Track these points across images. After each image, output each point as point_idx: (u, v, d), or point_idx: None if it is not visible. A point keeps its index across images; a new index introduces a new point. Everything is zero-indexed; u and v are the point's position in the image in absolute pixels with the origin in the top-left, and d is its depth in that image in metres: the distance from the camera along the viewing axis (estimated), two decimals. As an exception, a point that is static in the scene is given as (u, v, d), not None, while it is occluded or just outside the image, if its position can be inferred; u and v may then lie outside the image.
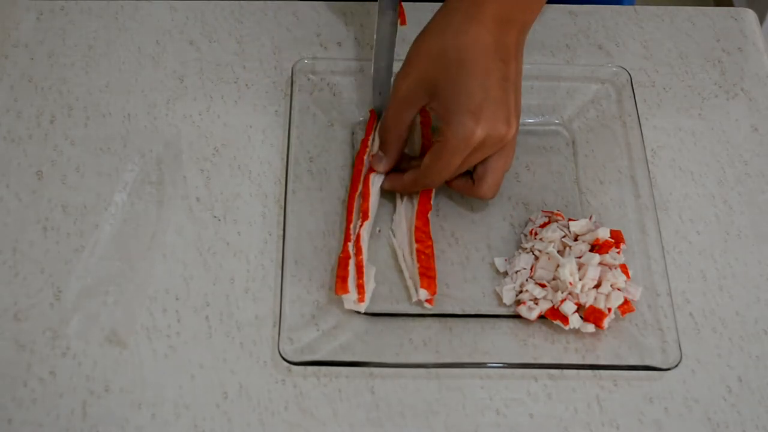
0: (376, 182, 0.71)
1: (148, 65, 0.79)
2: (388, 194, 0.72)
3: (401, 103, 0.67)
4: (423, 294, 0.66)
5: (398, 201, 0.72)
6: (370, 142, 0.73)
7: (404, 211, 0.71)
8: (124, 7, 0.82)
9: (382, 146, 0.70)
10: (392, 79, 0.71)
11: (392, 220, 0.72)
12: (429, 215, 0.70)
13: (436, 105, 0.65)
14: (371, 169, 0.71)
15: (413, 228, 0.69)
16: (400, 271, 0.69)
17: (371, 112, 0.74)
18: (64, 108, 0.76)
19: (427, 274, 0.67)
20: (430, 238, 0.69)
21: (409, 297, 0.68)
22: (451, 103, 0.63)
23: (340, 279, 0.66)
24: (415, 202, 0.71)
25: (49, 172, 0.73)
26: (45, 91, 0.77)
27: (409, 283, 0.68)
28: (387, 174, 0.71)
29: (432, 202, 0.71)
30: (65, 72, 0.78)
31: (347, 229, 0.69)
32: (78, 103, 0.76)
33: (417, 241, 0.68)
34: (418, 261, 0.67)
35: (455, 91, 0.63)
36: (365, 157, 0.72)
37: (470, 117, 0.62)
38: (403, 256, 0.69)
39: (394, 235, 0.70)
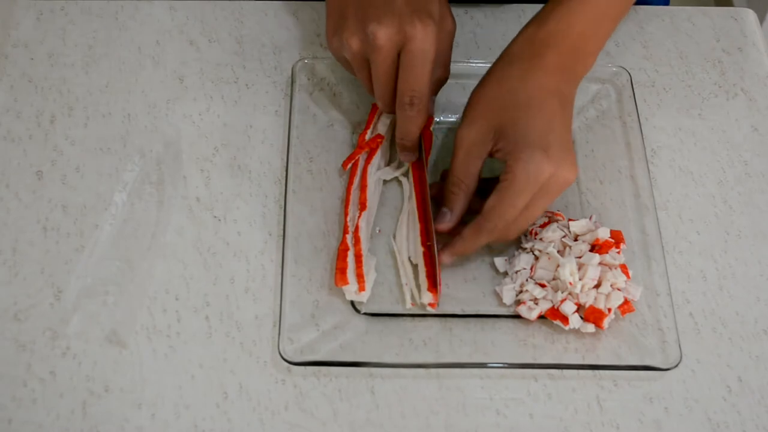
0: (373, 173, 0.71)
1: (148, 65, 0.79)
2: (392, 197, 0.72)
3: (468, 152, 0.66)
4: (427, 297, 0.66)
5: (405, 205, 0.72)
6: (367, 135, 0.73)
7: (406, 217, 0.71)
8: (124, 7, 0.82)
9: (449, 202, 0.67)
10: None
11: (396, 224, 0.71)
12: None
13: (503, 144, 0.64)
14: (368, 161, 0.72)
15: (417, 232, 0.69)
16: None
17: (373, 105, 0.74)
18: (64, 108, 0.76)
19: (434, 278, 0.67)
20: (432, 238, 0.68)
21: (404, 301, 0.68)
22: (520, 139, 0.63)
23: (339, 270, 0.66)
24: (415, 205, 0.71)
25: (49, 172, 0.73)
26: (45, 91, 0.77)
27: (405, 288, 0.68)
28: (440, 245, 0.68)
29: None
30: (65, 72, 0.78)
31: (345, 221, 0.69)
32: (78, 103, 0.76)
33: (423, 244, 0.68)
34: (426, 265, 0.67)
35: (524, 130, 0.63)
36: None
37: (540, 153, 0.62)
38: (402, 261, 0.69)
39: (394, 239, 0.70)
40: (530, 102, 0.64)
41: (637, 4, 0.84)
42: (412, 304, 0.67)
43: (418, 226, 0.69)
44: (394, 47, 0.64)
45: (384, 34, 0.63)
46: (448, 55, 0.69)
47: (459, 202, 0.67)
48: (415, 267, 0.68)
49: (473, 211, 0.67)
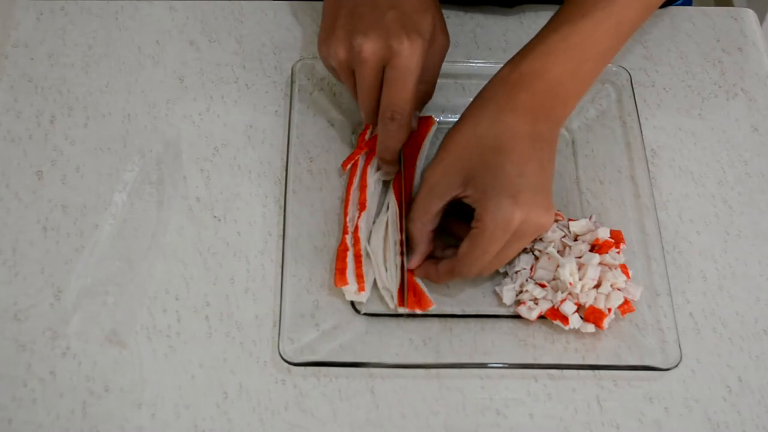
0: (373, 174, 0.71)
1: (148, 65, 0.79)
2: (386, 196, 0.72)
3: (430, 192, 0.64)
4: (402, 310, 0.66)
5: (385, 206, 0.72)
6: (367, 135, 0.73)
7: (385, 219, 0.70)
8: (124, 7, 0.82)
9: (410, 240, 0.67)
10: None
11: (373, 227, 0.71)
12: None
13: (471, 191, 0.63)
14: (368, 162, 0.72)
15: (396, 240, 0.68)
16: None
17: None
18: (64, 108, 0.76)
19: (402, 295, 0.67)
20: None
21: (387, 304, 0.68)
22: (488, 187, 0.62)
23: (339, 271, 0.66)
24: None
25: (49, 172, 0.73)
26: (45, 91, 0.77)
27: (384, 293, 0.67)
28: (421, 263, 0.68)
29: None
30: (65, 72, 0.78)
31: (344, 221, 0.69)
32: (78, 103, 0.76)
33: (400, 254, 0.68)
34: (401, 275, 0.67)
35: (492, 175, 0.62)
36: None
37: (509, 200, 0.61)
38: (377, 263, 0.68)
39: (368, 242, 0.69)
40: (500, 146, 0.62)
41: (663, 6, 0.84)
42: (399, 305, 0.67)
43: (396, 235, 0.69)
44: (379, 61, 0.64)
45: (370, 48, 0.63)
46: (436, 72, 0.68)
47: (417, 239, 0.66)
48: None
49: (448, 233, 0.67)
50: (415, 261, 0.67)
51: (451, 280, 0.67)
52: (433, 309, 0.67)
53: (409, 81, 0.64)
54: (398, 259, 0.67)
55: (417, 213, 0.66)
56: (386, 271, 0.68)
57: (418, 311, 0.66)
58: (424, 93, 0.68)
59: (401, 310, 0.66)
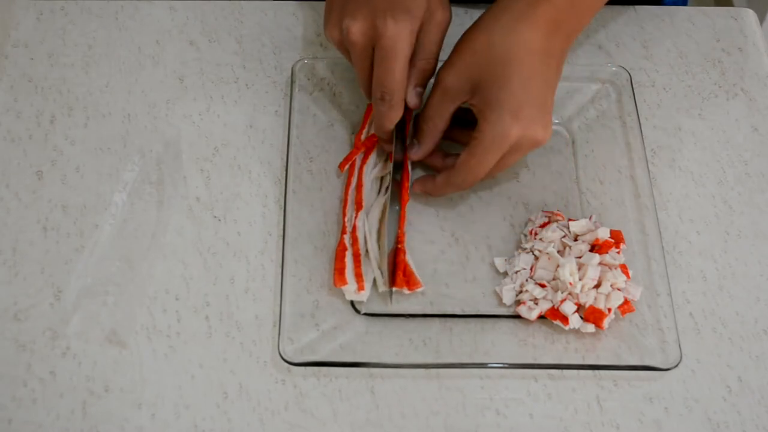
0: (369, 173, 0.71)
1: (148, 65, 0.79)
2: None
3: (443, 94, 0.66)
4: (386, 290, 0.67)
5: (382, 190, 0.72)
6: (363, 135, 0.73)
7: (382, 201, 0.71)
8: (124, 7, 0.82)
9: (419, 135, 0.69)
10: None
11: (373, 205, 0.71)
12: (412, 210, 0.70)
13: (476, 101, 0.64)
14: (364, 161, 0.72)
15: (396, 225, 0.69)
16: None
17: (368, 106, 0.74)
18: (64, 108, 0.76)
19: (398, 269, 0.67)
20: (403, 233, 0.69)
21: (378, 286, 0.68)
22: (492, 99, 0.63)
23: (338, 271, 0.66)
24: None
25: (49, 172, 0.73)
26: (45, 91, 0.77)
27: (377, 272, 0.67)
28: (418, 179, 0.71)
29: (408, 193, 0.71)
30: (65, 72, 0.78)
31: (343, 221, 0.69)
32: (78, 103, 0.76)
33: (400, 242, 0.68)
34: (389, 263, 0.67)
35: (498, 88, 0.63)
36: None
37: (509, 115, 0.62)
38: (372, 243, 0.68)
39: (367, 216, 0.70)
40: (510, 59, 0.63)
41: (657, 3, 0.84)
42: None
43: (397, 218, 0.69)
44: (367, 42, 0.64)
45: (357, 30, 0.64)
46: (437, 48, 0.68)
47: (427, 137, 0.69)
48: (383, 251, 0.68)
49: (452, 139, 0.70)
50: (419, 154, 0.69)
51: (447, 191, 0.69)
52: (433, 309, 0.67)
53: (396, 61, 0.64)
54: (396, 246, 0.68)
55: (432, 112, 0.67)
56: (379, 249, 0.68)
57: (417, 312, 0.66)
58: (423, 70, 0.68)
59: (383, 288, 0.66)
